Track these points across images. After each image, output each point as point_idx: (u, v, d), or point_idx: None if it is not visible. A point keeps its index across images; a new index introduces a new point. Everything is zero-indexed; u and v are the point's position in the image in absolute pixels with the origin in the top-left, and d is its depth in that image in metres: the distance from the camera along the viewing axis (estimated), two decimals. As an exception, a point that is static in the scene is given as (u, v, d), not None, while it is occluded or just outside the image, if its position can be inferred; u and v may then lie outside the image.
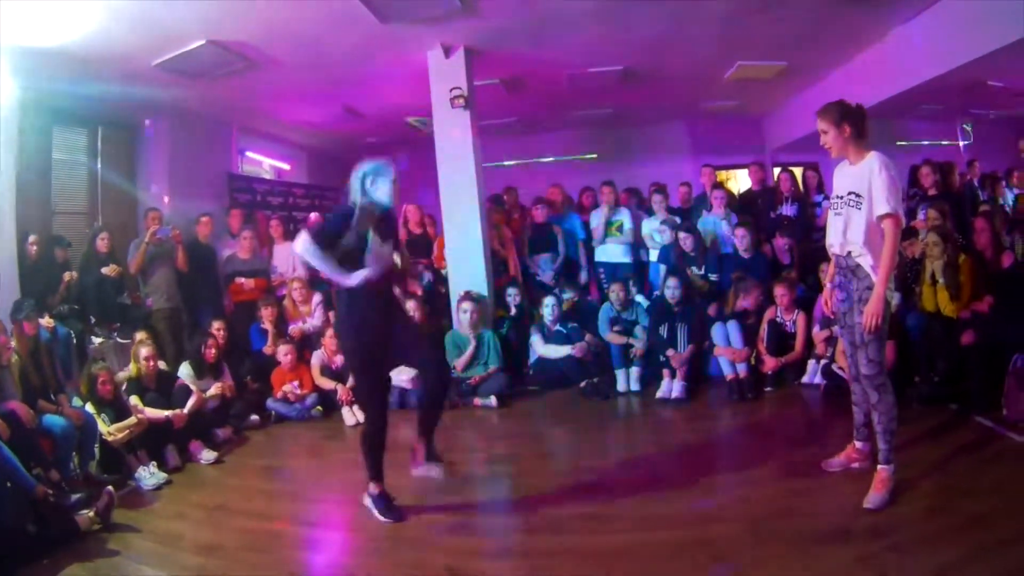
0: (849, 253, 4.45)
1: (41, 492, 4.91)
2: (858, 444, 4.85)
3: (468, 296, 8.30)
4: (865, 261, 4.35)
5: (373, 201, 4.63)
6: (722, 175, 12.29)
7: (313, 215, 11.05)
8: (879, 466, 4.37)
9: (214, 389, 7.32)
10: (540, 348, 8.18)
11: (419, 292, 8.68)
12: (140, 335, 7.24)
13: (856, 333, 4.43)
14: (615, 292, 8.21)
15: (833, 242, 4.60)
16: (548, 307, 8.26)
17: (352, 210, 4.59)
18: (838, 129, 4.41)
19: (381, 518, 4.66)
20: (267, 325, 8.44)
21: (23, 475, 4.89)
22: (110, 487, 5.15)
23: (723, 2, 7.71)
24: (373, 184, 4.63)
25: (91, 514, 4.85)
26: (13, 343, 5.84)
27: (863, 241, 4.32)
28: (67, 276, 7.87)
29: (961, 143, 13.30)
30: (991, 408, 5.74)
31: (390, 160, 4.75)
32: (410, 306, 8.06)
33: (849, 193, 4.41)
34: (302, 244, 4.48)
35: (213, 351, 7.51)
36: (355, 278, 4.46)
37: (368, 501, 4.75)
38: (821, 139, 4.55)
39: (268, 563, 4.37)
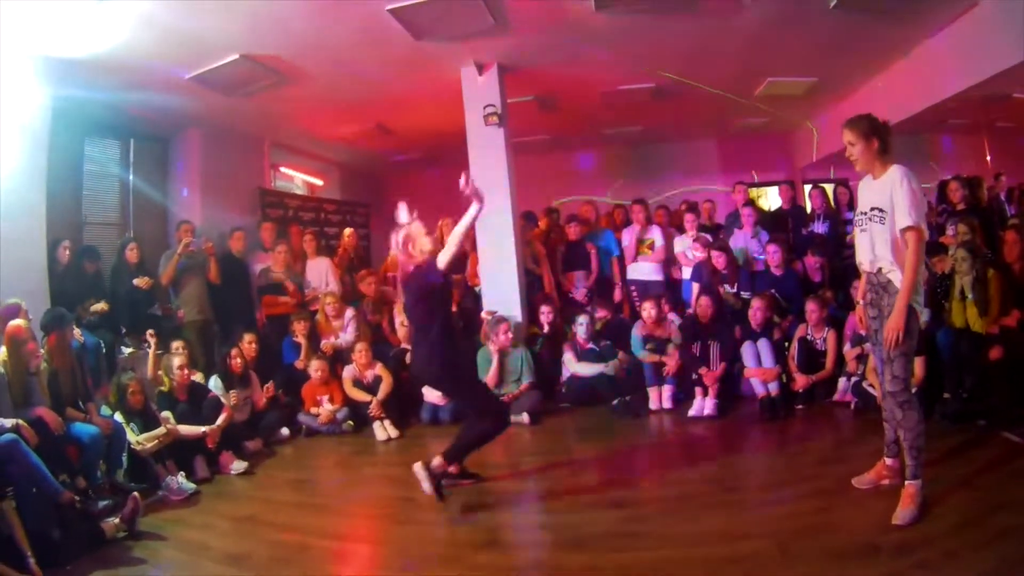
0: (880, 270, 4.38)
1: (67, 498, 4.90)
2: (888, 461, 4.75)
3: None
4: (896, 276, 4.27)
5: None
6: (753, 193, 12.22)
7: (348, 231, 11.03)
8: (907, 482, 4.29)
9: (231, 397, 7.34)
10: (573, 366, 8.10)
11: (454, 308, 8.66)
12: (176, 344, 7.23)
13: (885, 348, 4.34)
14: (647, 310, 8.14)
15: (863, 259, 4.53)
16: (581, 325, 8.18)
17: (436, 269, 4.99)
18: (867, 143, 4.34)
19: (431, 492, 4.87)
20: (300, 339, 8.44)
21: (50, 481, 4.87)
22: (135, 493, 5.15)
23: (753, 18, 7.68)
24: (414, 245, 5.09)
25: (116, 521, 4.87)
26: (42, 351, 5.84)
27: (892, 256, 4.26)
28: (98, 307, 7.86)
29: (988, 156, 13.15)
30: (1019, 423, 5.65)
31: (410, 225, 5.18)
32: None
33: (872, 208, 4.35)
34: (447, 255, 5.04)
35: (238, 361, 7.53)
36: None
37: (423, 471, 4.89)
38: (847, 151, 4.47)
39: (294, 575, 4.33)
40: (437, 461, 4.86)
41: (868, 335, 4.80)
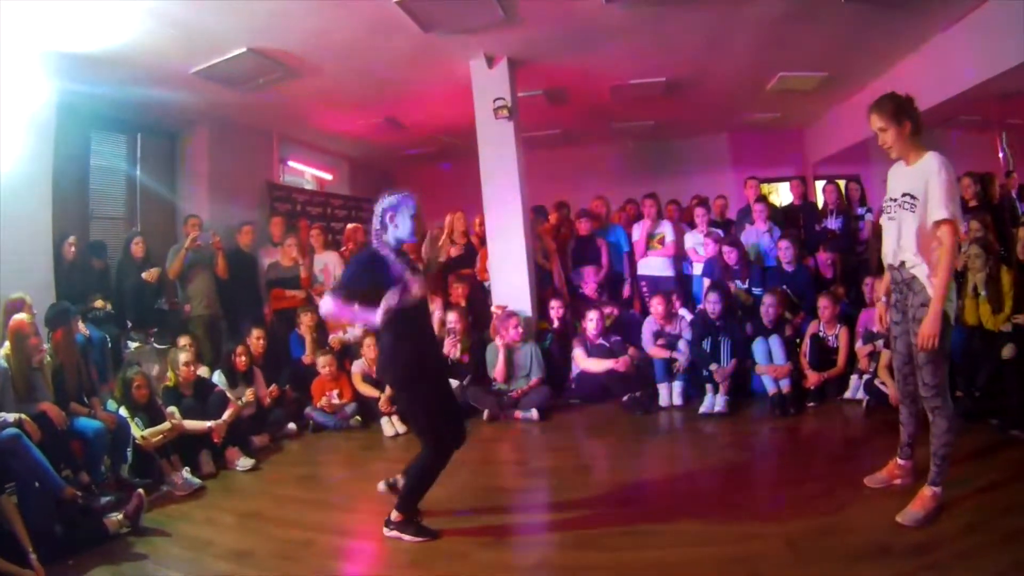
0: (903, 264, 4.15)
1: (70, 493, 4.88)
2: (900, 461, 4.65)
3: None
4: (920, 272, 4.04)
5: (398, 238, 4.54)
6: (765, 188, 12.15)
7: (350, 226, 10.98)
8: (926, 486, 4.16)
9: (247, 395, 7.32)
10: (582, 361, 8.05)
11: (463, 303, 8.60)
12: (183, 340, 7.22)
13: (915, 353, 4.12)
14: (656, 306, 8.09)
15: (887, 251, 4.30)
16: (591, 320, 8.12)
17: (376, 256, 4.48)
18: (898, 126, 4.09)
19: (415, 539, 4.51)
20: (305, 333, 8.42)
21: (52, 476, 4.85)
22: (140, 490, 5.14)
23: (764, 12, 7.64)
24: (393, 220, 4.53)
25: (120, 517, 4.86)
26: (45, 346, 5.82)
27: (917, 248, 4.03)
28: (99, 303, 7.83)
29: (1000, 154, 13.03)
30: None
31: (410, 193, 4.62)
32: (452, 317, 8.00)
33: (904, 195, 4.10)
34: (325, 305, 4.39)
35: (243, 359, 7.53)
36: (382, 308, 4.24)
37: (393, 531, 4.57)
38: (879, 139, 4.22)
39: (300, 572, 4.30)
40: (395, 515, 4.59)
41: (888, 336, 4.67)
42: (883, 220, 4.35)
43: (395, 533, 4.55)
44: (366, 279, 4.41)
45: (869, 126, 4.29)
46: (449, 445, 4.61)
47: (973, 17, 7.88)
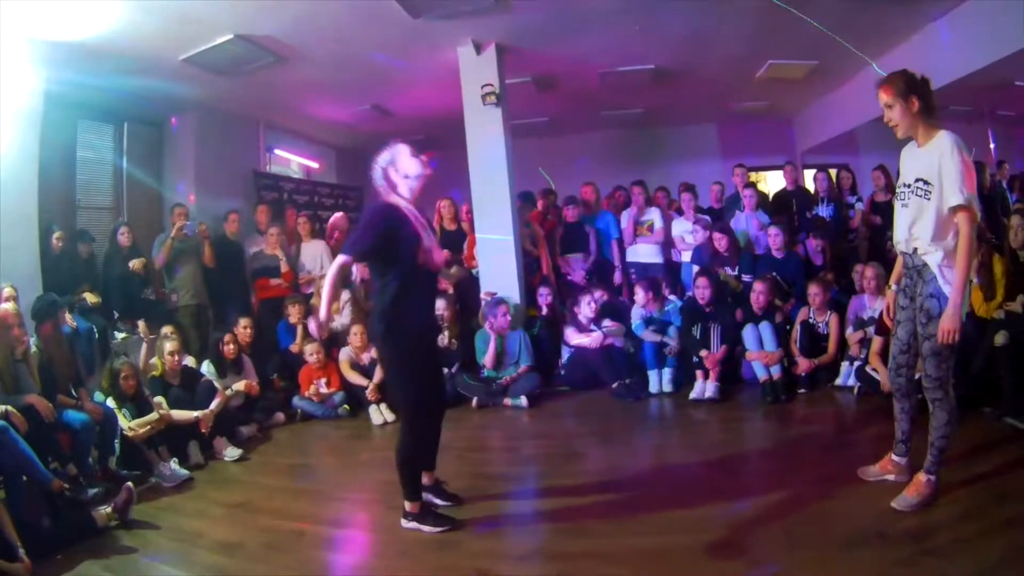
0: (915, 250, 4.02)
1: (57, 486, 4.86)
2: (895, 457, 4.54)
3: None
4: (933, 260, 3.90)
5: (410, 177, 4.42)
6: (753, 176, 12.16)
7: (338, 214, 10.91)
8: (921, 472, 4.13)
9: (239, 386, 7.26)
10: (574, 338, 8.07)
11: (450, 290, 8.55)
12: (166, 329, 7.19)
13: (920, 343, 4.04)
14: (639, 293, 8.11)
15: (899, 238, 4.15)
16: (584, 305, 8.12)
17: (392, 206, 4.37)
18: (905, 103, 3.93)
19: (434, 530, 4.38)
20: (295, 323, 8.40)
21: (39, 468, 4.82)
22: (129, 483, 5.08)
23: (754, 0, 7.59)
24: (397, 169, 4.43)
25: (108, 510, 4.79)
26: (27, 337, 5.76)
27: (932, 236, 3.88)
28: (90, 298, 7.82)
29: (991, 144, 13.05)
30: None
31: (397, 140, 4.54)
32: (440, 304, 7.96)
33: (917, 180, 3.95)
34: (335, 263, 4.28)
35: (231, 347, 7.46)
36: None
37: (411, 523, 4.42)
38: (885, 115, 4.07)
39: (290, 563, 4.24)
40: (408, 505, 4.42)
41: (880, 322, 4.59)
42: (896, 206, 4.19)
43: (413, 525, 4.42)
44: (381, 229, 4.24)
45: (878, 102, 4.14)
46: (423, 422, 4.46)
47: (963, 7, 7.92)
